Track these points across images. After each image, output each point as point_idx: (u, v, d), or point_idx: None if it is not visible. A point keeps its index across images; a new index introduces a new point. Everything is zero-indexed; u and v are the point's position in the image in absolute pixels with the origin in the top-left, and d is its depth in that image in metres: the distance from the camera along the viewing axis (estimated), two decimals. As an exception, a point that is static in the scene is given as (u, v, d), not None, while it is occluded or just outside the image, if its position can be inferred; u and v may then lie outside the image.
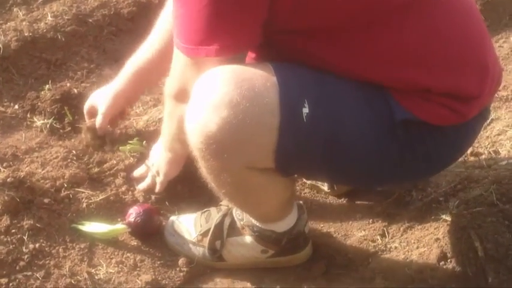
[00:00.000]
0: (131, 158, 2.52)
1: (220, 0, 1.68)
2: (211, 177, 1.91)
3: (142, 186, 2.43)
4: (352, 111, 1.83)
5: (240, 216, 2.17)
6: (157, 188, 2.39)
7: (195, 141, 1.80)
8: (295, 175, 1.99)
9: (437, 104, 1.83)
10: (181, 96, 1.94)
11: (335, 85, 1.83)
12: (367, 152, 1.86)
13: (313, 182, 2.55)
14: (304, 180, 2.56)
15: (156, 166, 2.37)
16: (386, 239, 2.30)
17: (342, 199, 2.54)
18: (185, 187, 2.48)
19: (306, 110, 1.75)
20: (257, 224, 2.14)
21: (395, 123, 1.82)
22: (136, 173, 2.47)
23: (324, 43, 1.79)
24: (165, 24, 2.36)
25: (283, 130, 1.75)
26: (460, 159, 2.29)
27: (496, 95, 2.68)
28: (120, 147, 2.55)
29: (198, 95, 1.78)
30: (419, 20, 1.79)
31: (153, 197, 2.43)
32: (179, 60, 1.89)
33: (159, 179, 2.37)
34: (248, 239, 2.17)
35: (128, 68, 2.49)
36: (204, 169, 1.90)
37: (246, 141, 1.77)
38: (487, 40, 1.99)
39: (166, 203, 2.44)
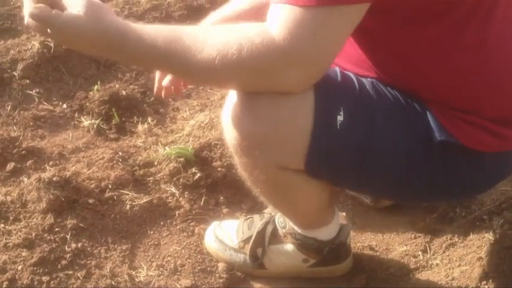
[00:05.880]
0: (176, 163, 2.51)
1: None
2: (245, 174, 1.91)
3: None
4: (388, 124, 1.78)
5: (283, 224, 2.16)
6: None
7: (229, 137, 1.80)
8: (325, 180, 1.96)
9: (482, 128, 1.76)
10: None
11: (375, 95, 1.79)
12: (398, 166, 1.82)
13: (356, 194, 2.53)
14: (347, 191, 2.54)
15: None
16: (428, 255, 2.28)
17: (385, 213, 2.51)
18: (228, 193, 2.49)
19: (340, 118, 1.72)
20: (299, 231, 2.13)
21: (433, 143, 1.77)
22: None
23: (402, 30, 1.67)
24: None
25: (316, 135, 1.73)
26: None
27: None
28: (166, 151, 2.55)
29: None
30: (482, 31, 1.68)
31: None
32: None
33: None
34: (290, 247, 2.16)
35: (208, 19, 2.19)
36: (238, 165, 1.90)
37: (277, 142, 1.74)
38: None
39: (210, 208, 2.45)
